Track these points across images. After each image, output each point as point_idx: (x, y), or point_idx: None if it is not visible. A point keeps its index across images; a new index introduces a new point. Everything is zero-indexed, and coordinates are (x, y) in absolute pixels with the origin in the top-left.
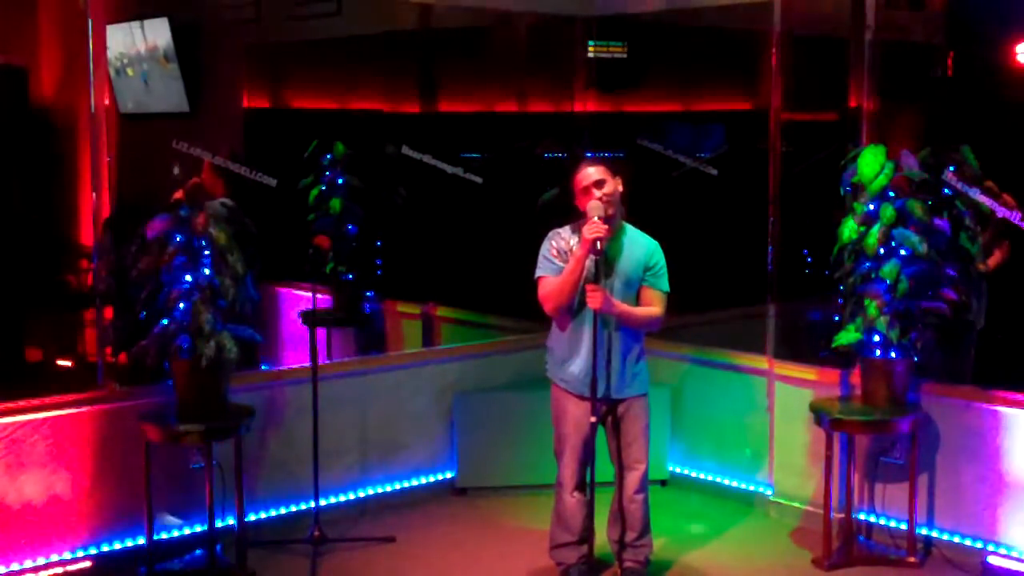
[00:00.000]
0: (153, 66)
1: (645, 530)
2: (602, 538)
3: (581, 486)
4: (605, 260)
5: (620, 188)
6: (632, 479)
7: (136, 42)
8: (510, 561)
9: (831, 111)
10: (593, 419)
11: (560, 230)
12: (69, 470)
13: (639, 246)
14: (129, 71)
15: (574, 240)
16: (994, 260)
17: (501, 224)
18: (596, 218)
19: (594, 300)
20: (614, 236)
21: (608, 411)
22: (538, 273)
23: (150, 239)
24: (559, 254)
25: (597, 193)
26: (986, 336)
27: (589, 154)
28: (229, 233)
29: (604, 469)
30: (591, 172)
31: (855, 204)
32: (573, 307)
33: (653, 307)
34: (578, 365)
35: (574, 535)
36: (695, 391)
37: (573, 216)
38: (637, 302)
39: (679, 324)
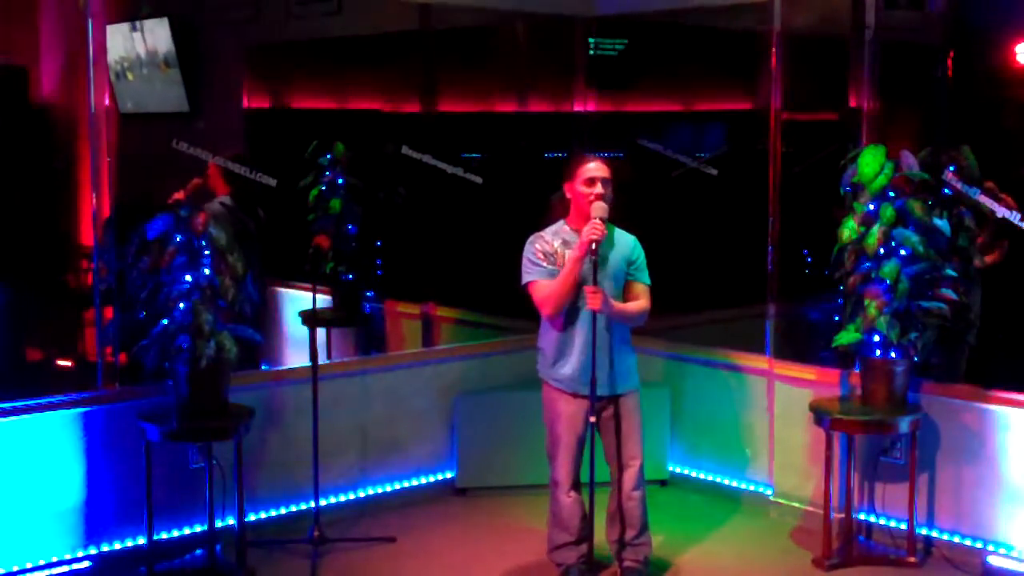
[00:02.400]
0: (153, 71)
1: (644, 528)
2: (600, 537)
3: (576, 485)
4: (593, 263)
5: (612, 198)
6: (628, 476)
7: (136, 46)
8: (510, 561)
9: (831, 111)
10: (593, 419)
11: (542, 233)
12: (69, 470)
13: (621, 243)
14: (129, 75)
15: (557, 242)
16: (991, 258)
17: (501, 224)
18: (598, 219)
19: (594, 302)
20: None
21: (601, 408)
22: (528, 278)
23: (150, 239)
24: (545, 256)
25: (599, 189)
26: (986, 336)
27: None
28: (229, 233)
29: (602, 469)
30: (599, 166)
31: (855, 204)
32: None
33: (641, 301)
34: (570, 365)
35: (572, 535)
36: (695, 391)
37: (551, 219)
38: (624, 297)
39: (679, 324)
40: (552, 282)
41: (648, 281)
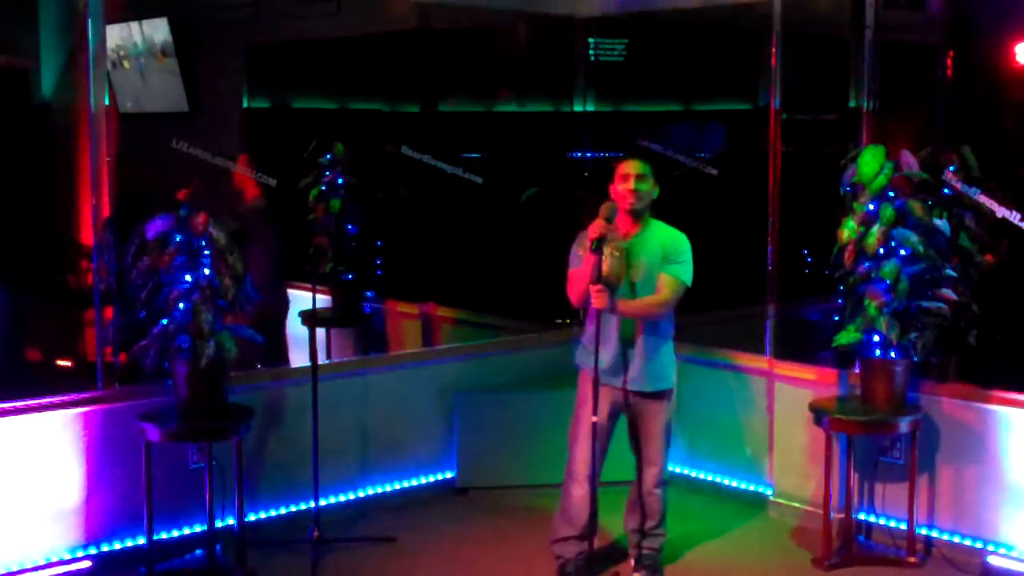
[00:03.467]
0: (150, 60)
1: (662, 520)
2: (606, 531)
3: (591, 479)
4: (627, 258)
5: (653, 193)
6: (649, 475)
7: (133, 35)
8: (510, 561)
9: (831, 111)
10: (595, 419)
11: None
12: (69, 470)
13: (658, 238)
14: (125, 64)
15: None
16: (991, 258)
17: (501, 224)
18: (605, 219)
19: (597, 300)
20: (637, 233)
21: (627, 404)
22: (568, 270)
23: (150, 239)
24: (583, 251)
25: (631, 185)
26: (986, 336)
27: (590, 155)
28: (229, 233)
29: (610, 467)
30: (632, 163)
31: (855, 204)
32: None
33: (660, 293)
34: (603, 357)
35: (576, 529)
36: (695, 391)
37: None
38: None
39: (679, 324)
40: (574, 271)
41: (680, 276)
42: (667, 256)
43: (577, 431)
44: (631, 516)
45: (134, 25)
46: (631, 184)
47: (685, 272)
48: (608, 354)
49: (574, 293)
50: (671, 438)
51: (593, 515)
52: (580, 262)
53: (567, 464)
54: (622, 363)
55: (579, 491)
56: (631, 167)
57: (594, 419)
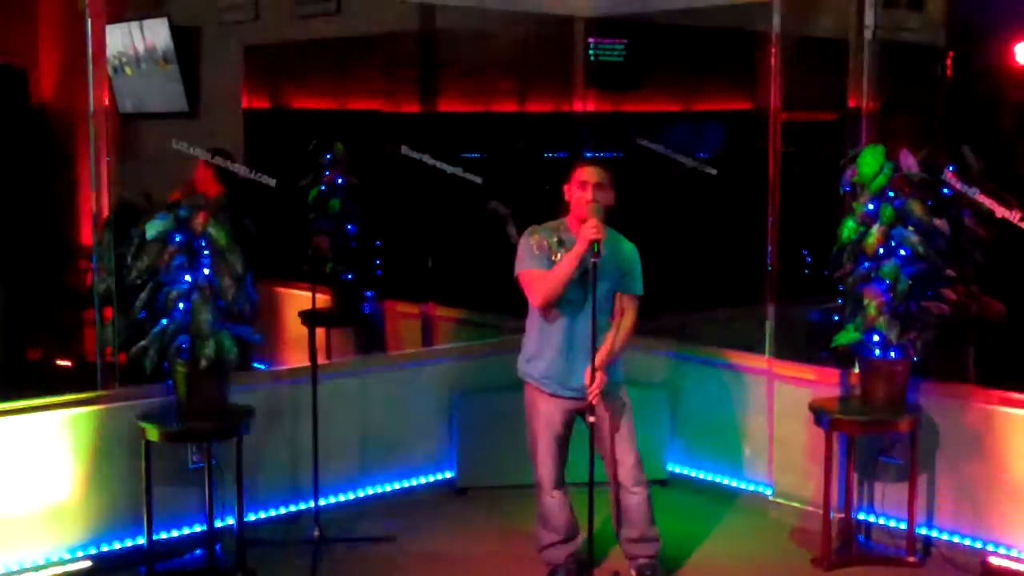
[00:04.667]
0: (151, 67)
1: (652, 524)
2: (600, 530)
3: (560, 485)
4: (593, 264)
5: (611, 201)
6: (623, 473)
7: (135, 41)
8: (510, 561)
9: (831, 111)
10: (592, 419)
11: (537, 228)
12: (69, 470)
13: (617, 249)
14: (127, 70)
15: (553, 239)
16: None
17: (500, 224)
18: (596, 219)
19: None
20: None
21: (583, 412)
22: (523, 267)
23: (149, 239)
24: (541, 250)
25: (588, 194)
26: (986, 336)
27: (589, 154)
28: (228, 233)
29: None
30: (592, 171)
31: (855, 204)
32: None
33: (626, 319)
34: (544, 363)
35: (559, 535)
36: (695, 391)
37: (562, 213)
38: (612, 305)
39: (679, 324)
40: (546, 273)
41: (640, 291)
42: (625, 272)
43: (536, 444)
44: (619, 526)
45: (136, 31)
46: (589, 193)
47: (641, 286)
48: (550, 362)
49: (545, 291)
50: (635, 432)
51: (573, 516)
52: (541, 262)
53: (535, 477)
54: (571, 370)
55: (552, 501)
56: (590, 174)
57: (591, 419)
